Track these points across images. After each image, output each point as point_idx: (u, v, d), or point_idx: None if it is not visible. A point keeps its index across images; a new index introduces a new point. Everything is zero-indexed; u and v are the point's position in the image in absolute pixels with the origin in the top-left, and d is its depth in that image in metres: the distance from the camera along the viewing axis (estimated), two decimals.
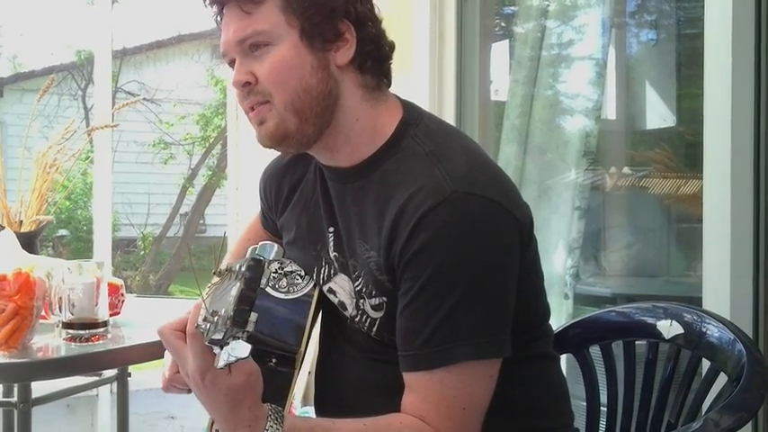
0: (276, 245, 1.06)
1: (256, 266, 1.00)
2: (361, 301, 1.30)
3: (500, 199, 1.21)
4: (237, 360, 0.97)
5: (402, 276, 1.21)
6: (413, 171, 1.23)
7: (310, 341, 1.33)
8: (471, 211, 1.18)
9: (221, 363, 0.98)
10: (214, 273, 1.12)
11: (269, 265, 1.02)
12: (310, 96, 1.25)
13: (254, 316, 0.98)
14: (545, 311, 1.40)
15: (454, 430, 1.18)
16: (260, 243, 1.06)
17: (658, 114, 2.82)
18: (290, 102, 1.25)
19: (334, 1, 1.26)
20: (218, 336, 0.98)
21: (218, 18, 1.31)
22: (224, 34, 1.29)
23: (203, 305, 1.06)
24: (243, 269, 1.01)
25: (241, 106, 1.31)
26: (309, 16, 1.24)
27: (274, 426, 1.10)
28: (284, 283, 1.34)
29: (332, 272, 1.36)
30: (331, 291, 1.36)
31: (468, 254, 1.17)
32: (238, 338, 0.97)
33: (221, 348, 0.98)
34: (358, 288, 1.30)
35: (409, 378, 1.20)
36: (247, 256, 1.04)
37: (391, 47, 1.34)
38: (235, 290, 0.99)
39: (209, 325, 1.02)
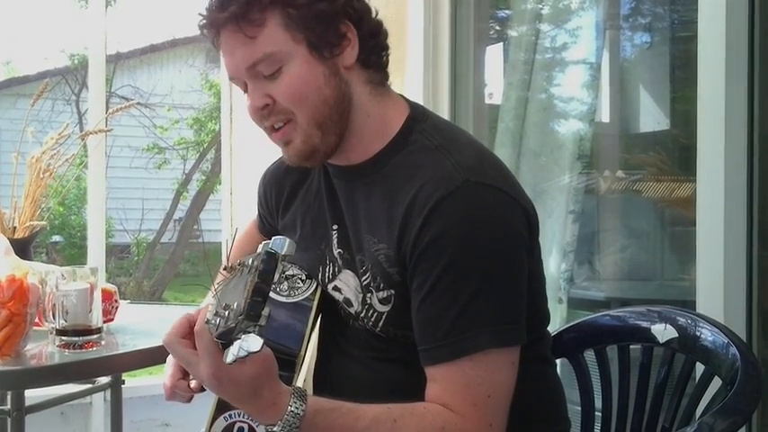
0: (288, 239, 1.05)
1: (270, 260, 1.00)
2: (369, 295, 1.30)
3: (509, 189, 1.23)
4: (249, 354, 0.97)
5: (416, 268, 1.21)
6: (423, 163, 1.25)
7: (309, 345, 1.33)
8: (483, 200, 1.20)
9: (230, 357, 0.98)
10: (224, 268, 1.12)
11: (282, 259, 1.02)
12: (329, 106, 1.26)
13: (266, 310, 0.98)
14: (545, 315, 1.40)
15: (480, 417, 1.17)
16: (273, 237, 1.06)
17: (652, 118, 2.82)
18: (313, 117, 1.25)
19: (333, 5, 1.26)
20: (230, 329, 0.98)
21: (215, 41, 1.29)
22: (229, 59, 1.28)
23: (215, 299, 1.06)
24: (256, 263, 1.00)
25: (260, 127, 1.31)
26: (312, 27, 1.24)
27: (297, 402, 1.10)
28: (285, 287, 1.35)
29: (336, 269, 1.36)
30: (336, 288, 1.37)
31: (483, 241, 1.19)
32: (250, 332, 0.97)
33: (232, 342, 0.98)
34: (365, 282, 1.30)
35: (431, 370, 1.20)
36: (259, 250, 1.04)
37: (385, 34, 1.34)
38: (247, 284, 0.99)
39: (219, 319, 1.02)
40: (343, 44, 1.27)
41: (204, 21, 1.28)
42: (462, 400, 1.17)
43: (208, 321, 1.05)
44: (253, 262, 1.02)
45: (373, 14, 1.33)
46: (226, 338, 1.01)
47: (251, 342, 0.97)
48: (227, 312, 1.00)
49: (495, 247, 1.19)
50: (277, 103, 1.25)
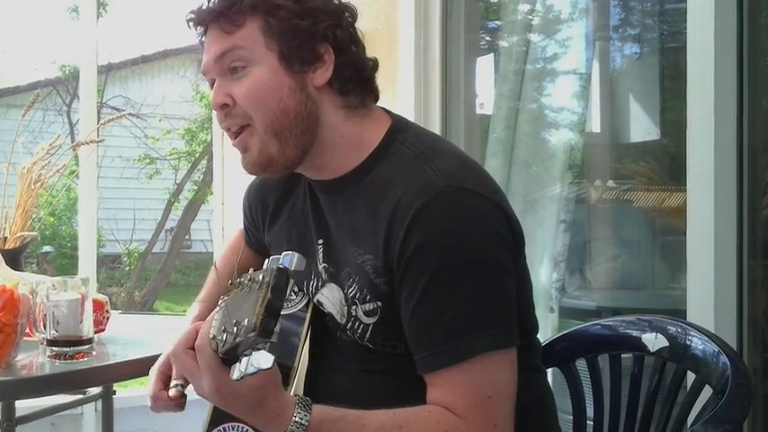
0: (297, 254, 1.04)
1: (282, 276, 1.00)
2: (354, 307, 1.30)
3: (490, 195, 1.24)
4: (258, 371, 0.96)
5: (404, 277, 1.21)
6: (404, 172, 1.25)
7: (302, 357, 1.33)
8: (465, 205, 1.20)
9: (237, 374, 0.98)
10: (231, 283, 1.11)
11: (292, 275, 1.02)
12: (288, 118, 1.26)
13: (278, 327, 0.98)
14: (533, 323, 1.40)
15: (483, 419, 1.17)
16: (282, 253, 1.05)
17: (642, 127, 2.83)
18: (269, 124, 1.26)
19: (314, 26, 1.27)
20: (236, 345, 0.98)
21: (202, 39, 1.32)
22: (205, 54, 1.30)
23: (221, 315, 1.05)
24: (267, 279, 1.00)
25: (221, 127, 1.33)
26: (288, 40, 1.26)
27: (302, 412, 1.10)
28: None
29: (320, 284, 1.36)
30: (318, 302, 1.37)
31: (469, 246, 1.19)
32: (260, 349, 0.97)
33: (238, 358, 0.98)
34: (351, 294, 1.30)
35: (431, 377, 1.20)
36: (267, 266, 1.03)
37: (374, 65, 1.35)
38: (257, 299, 0.98)
39: (227, 335, 1.01)
40: (317, 64, 1.28)
41: (192, 16, 1.31)
42: (464, 403, 1.17)
43: (213, 337, 1.05)
44: (263, 278, 1.01)
45: (361, 47, 1.33)
46: (232, 355, 1.01)
47: (261, 359, 0.96)
48: (236, 329, 1.00)
49: (480, 251, 1.19)
50: (236, 104, 1.26)
